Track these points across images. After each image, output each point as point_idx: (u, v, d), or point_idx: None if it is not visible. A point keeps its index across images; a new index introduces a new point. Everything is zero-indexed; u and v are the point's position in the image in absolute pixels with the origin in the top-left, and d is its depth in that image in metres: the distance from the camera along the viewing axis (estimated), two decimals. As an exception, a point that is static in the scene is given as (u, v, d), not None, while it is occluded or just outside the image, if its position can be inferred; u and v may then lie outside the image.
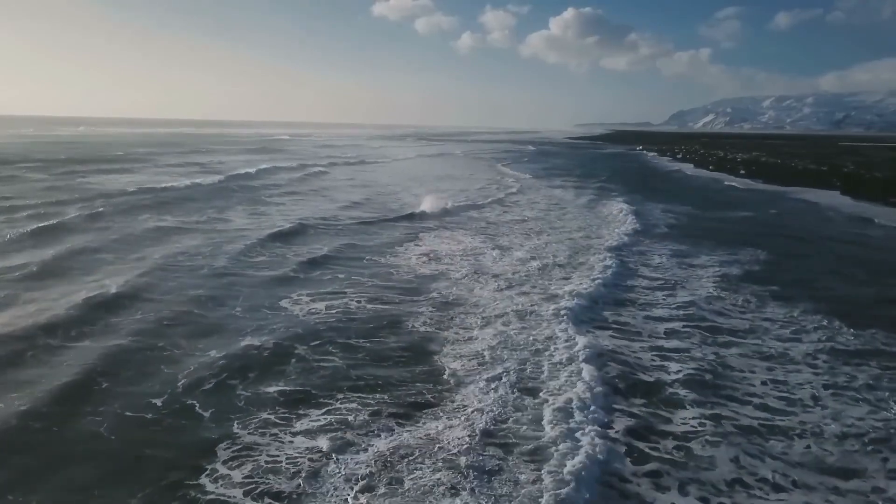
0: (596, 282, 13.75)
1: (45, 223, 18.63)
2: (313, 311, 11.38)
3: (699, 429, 7.37)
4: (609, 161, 71.58)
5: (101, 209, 21.71)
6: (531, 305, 12.02)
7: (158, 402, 7.73)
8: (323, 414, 7.51)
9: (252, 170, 39.60)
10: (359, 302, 12.10)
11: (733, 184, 43.66)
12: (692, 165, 63.61)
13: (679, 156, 78.76)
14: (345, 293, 12.63)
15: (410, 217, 23.23)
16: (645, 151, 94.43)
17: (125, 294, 11.79)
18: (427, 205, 24.95)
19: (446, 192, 32.08)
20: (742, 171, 52.92)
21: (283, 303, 11.82)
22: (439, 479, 6.12)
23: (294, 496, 5.87)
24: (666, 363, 9.38)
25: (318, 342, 9.82)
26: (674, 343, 10.26)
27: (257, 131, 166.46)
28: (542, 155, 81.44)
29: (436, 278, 14.18)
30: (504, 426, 7.26)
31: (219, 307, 11.44)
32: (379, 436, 6.98)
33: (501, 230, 21.16)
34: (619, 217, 24.55)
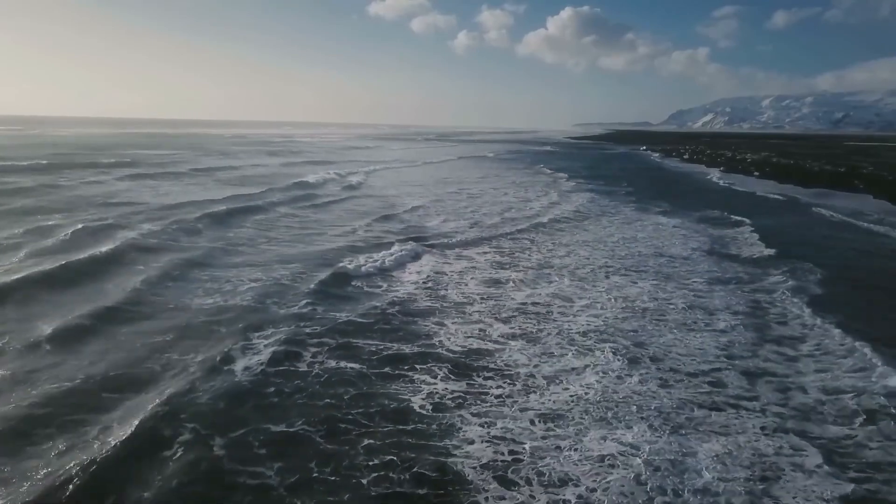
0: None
1: (82, 255, 14.31)
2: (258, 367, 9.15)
3: None
4: (628, 162, 69.24)
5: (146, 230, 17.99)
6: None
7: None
8: None
9: (312, 179, 36.01)
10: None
11: (757, 188, 40.11)
12: (704, 166, 61.26)
13: (686, 156, 76.39)
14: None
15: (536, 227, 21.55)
16: (650, 152, 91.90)
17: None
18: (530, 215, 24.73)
19: (532, 200, 29.94)
20: (756, 173, 50.81)
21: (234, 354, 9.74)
22: None
23: None
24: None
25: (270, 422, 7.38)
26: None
27: (264, 132, 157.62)
28: (561, 156, 78.98)
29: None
30: None
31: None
32: None
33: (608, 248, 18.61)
34: (741, 236, 21.11)
